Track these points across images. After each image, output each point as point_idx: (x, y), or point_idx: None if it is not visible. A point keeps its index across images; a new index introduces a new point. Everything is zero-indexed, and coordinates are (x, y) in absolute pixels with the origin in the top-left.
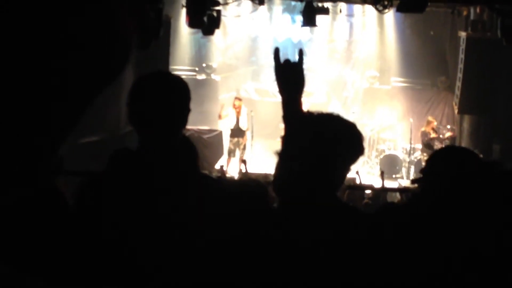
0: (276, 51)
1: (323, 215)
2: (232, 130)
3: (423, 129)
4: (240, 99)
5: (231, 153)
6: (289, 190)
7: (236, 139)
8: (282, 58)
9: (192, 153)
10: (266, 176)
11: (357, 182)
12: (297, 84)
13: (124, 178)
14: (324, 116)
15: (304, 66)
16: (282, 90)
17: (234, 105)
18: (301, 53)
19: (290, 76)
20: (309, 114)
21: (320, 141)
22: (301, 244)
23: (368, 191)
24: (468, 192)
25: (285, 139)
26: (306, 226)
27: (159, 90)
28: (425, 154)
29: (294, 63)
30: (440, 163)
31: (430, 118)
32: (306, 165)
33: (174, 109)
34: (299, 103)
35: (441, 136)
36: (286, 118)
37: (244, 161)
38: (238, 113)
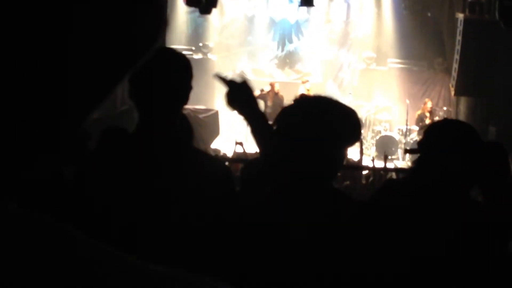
0: (220, 77)
1: (314, 199)
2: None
3: (419, 112)
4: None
5: None
6: (282, 172)
7: None
8: (280, 36)
9: (188, 131)
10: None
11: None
12: (250, 100)
13: (123, 152)
14: (322, 99)
15: (301, 46)
16: (241, 111)
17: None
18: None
19: (241, 95)
20: (306, 97)
21: (317, 125)
22: (291, 225)
23: (365, 172)
24: (463, 165)
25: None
26: (296, 210)
27: (162, 66)
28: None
29: (238, 82)
30: (437, 135)
31: (426, 100)
32: (301, 149)
33: (177, 86)
34: (262, 116)
35: (436, 118)
36: (256, 133)
37: (240, 143)
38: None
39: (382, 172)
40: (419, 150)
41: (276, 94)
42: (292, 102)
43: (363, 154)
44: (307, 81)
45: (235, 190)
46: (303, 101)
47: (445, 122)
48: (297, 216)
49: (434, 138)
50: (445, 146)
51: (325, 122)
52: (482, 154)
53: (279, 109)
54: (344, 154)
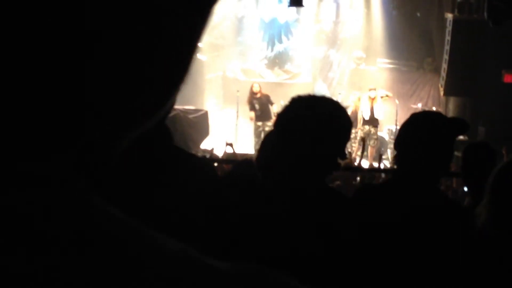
0: None
1: (306, 197)
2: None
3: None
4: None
5: None
6: (274, 170)
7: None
8: (270, 36)
9: (167, 134)
10: (252, 156)
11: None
12: None
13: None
14: (316, 98)
15: (291, 46)
16: None
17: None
18: None
19: None
20: (301, 98)
21: (315, 124)
22: (282, 222)
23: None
24: (436, 158)
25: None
26: (288, 207)
27: None
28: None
29: None
30: (409, 128)
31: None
32: (301, 148)
33: None
34: None
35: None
36: None
37: (230, 144)
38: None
39: (376, 174)
40: (396, 148)
41: (256, 94)
42: (288, 103)
43: (364, 154)
44: (374, 89)
45: (218, 187)
46: (299, 101)
47: (412, 116)
48: (295, 214)
49: (404, 134)
50: (413, 139)
51: (322, 120)
52: (471, 154)
53: (266, 109)
54: (333, 153)
